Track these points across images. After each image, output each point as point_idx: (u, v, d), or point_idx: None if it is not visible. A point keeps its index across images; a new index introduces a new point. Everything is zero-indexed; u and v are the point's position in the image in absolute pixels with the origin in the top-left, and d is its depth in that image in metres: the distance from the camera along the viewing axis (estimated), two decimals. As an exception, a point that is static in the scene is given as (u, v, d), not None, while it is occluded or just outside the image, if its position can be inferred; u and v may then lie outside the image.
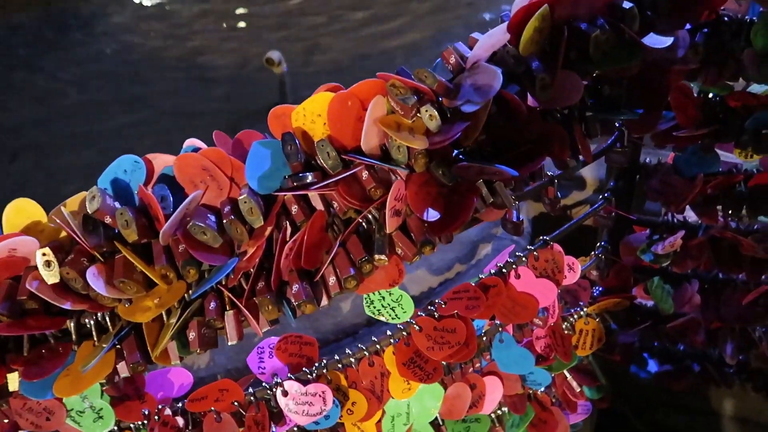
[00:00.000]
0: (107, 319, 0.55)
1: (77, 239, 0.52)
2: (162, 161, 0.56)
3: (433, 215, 0.54)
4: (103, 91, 2.12)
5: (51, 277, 0.51)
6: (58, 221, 0.52)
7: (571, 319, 0.87)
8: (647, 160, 0.81)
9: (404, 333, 0.69)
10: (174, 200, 0.54)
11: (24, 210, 0.54)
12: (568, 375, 0.93)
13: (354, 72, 1.87)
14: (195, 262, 0.53)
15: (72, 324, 0.54)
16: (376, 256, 0.54)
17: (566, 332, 0.86)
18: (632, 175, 0.80)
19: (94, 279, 0.51)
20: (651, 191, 0.79)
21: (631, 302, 0.90)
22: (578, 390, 0.93)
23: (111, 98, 2.12)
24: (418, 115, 0.54)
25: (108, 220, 0.52)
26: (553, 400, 0.93)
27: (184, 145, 0.56)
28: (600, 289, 0.91)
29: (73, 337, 0.54)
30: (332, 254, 0.52)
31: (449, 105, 0.55)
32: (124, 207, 0.52)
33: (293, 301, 0.53)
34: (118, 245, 0.53)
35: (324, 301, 0.55)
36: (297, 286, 0.53)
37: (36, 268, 0.53)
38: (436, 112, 0.53)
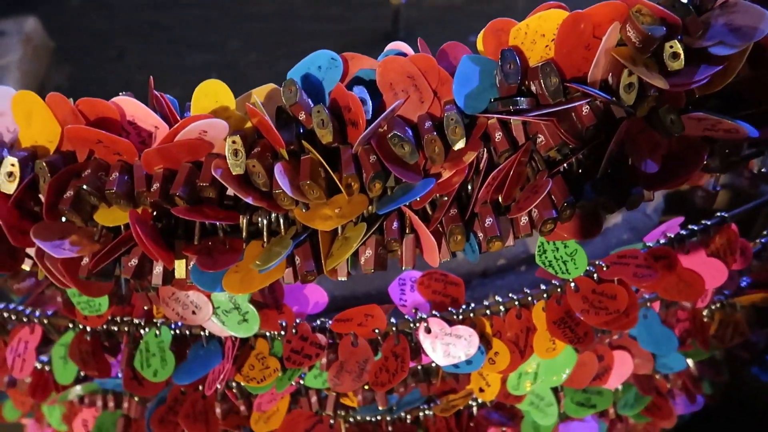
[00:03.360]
0: (281, 222, 0.52)
1: (268, 131, 0.48)
2: (358, 63, 0.52)
3: (651, 167, 0.49)
4: (213, 3, 2.09)
5: (237, 167, 0.49)
6: (249, 109, 0.49)
7: (713, 307, 0.81)
8: None
9: (558, 290, 0.64)
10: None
11: (213, 93, 0.50)
12: (692, 364, 0.87)
13: (467, 12, 1.76)
14: (384, 176, 0.49)
15: (244, 221, 0.52)
16: (581, 202, 0.49)
17: (706, 320, 0.80)
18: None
19: (281, 176, 0.48)
20: None
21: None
22: (699, 381, 0.87)
23: (219, 11, 2.09)
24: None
25: (302, 116, 0.49)
26: (669, 387, 0.88)
27: (388, 48, 0.51)
28: (747, 280, 0.84)
29: (243, 234, 0.52)
30: (541, 194, 0.47)
31: (694, 45, 0.48)
32: (321, 105, 0.48)
33: (484, 235, 0.49)
34: (307, 146, 0.49)
35: (510, 241, 0.51)
36: (491, 219, 0.49)
37: (218, 156, 0.50)
38: (682, 50, 0.46)
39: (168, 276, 0.52)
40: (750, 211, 0.79)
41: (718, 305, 0.81)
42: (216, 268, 0.49)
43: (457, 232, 0.49)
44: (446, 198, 0.49)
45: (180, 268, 0.52)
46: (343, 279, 0.52)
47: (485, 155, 0.50)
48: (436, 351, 0.62)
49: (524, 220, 0.50)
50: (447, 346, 0.62)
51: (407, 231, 0.51)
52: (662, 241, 0.66)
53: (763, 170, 0.61)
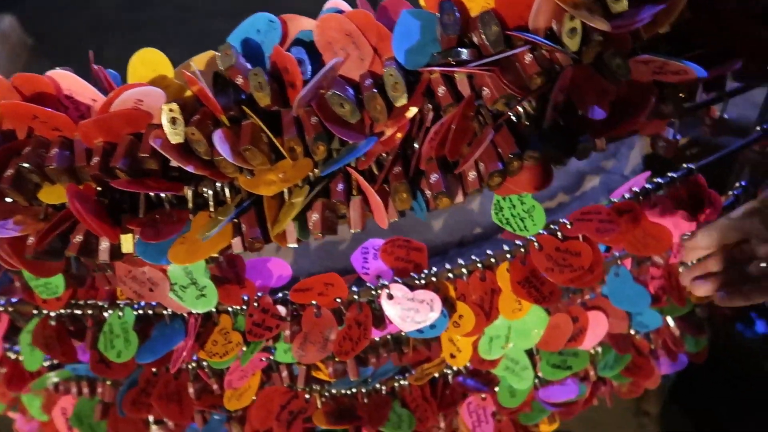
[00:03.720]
0: (226, 190, 0.51)
1: (206, 98, 0.47)
2: (297, 24, 0.50)
3: (599, 114, 0.47)
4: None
5: (175, 136, 0.48)
6: (187, 77, 0.48)
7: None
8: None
9: (522, 250, 0.63)
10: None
11: (150, 61, 0.49)
12: (671, 322, 0.86)
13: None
14: (326, 138, 0.48)
15: (190, 192, 0.51)
16: (528, 153, 0.48)
17: (681, 276, 0.79)
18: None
19: (221, 143, 0.47)
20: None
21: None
22: (680, 339, 0.86)
23: (195, 7, 2.08)
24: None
25: (240, 80, 0.48)
26: (651, 348, 0.88)
27: (326, 6, 0.50)
28: (723, 235, 0.82)
29: (190, 205, 0.51)
30: (482, 145, 0.46)
31: (637, -15, 0.46)
32: (258, 68, 0.47)
33: (430, 192, 0.48)
34: (247, 110, 0.48)
35: (459, 198, 0.50)
36: (436, 176, 0.48)
37: (159, 126, 0.49)
38: (624, -9, 0.45)
39: (115, 251, 0.51)
40: (724, 164, 0.78)
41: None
42: (159, 239, 0.49)
43: (401, 189, 0.48)
44: (391, 156, 0.48)
45: (127, 242, 0.51)
46: (293, 245, 0.51)
47: (431, 111, 0.49)
48: (399, 317, 0.62)
49: (472, 175, 0.49)
50: (409, 311, 0.61)
51: (354, 193, 0.50)
52: (627, 195, 0.64)
53: (724, 116, 0.60)
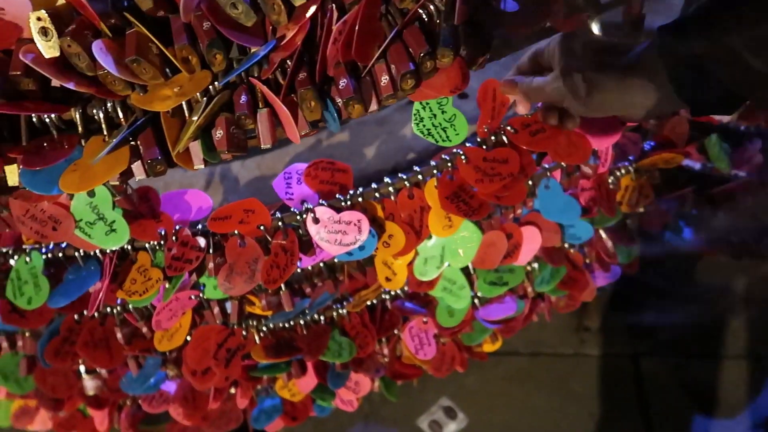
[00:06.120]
0: (119, 111, 0.46)
1: (80, 5, 0.42)
2: None
3: (511, 5, 0.45)
4: None
5: (49, 49, 0.43)
6: (54, -20, 0.42)
7: (618, 174, 0.80)
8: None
9: (449, 165, 0.62)
10: (196, -33, 0.44)
11: (11, -34, 0.43)
12: (604, 234, 0.88)
13: None
14: (223, 45, 0.44)
15: (77, 114, 0.46)
16: (441, 50, 0.45)
17: (611, 187, 0.80)
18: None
19: (102, 54, 0.42)
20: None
21: (684, 158, 0.82)
22: (612, 251, 0.88)
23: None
24: None
25: (116, -19, 0.43)
26: (586, 262, 0.89)
27: None
28: (651, 143, 0.83)
29: (79, 129, 0.47)
30: (385, 44, 0.42)
31: None
32: (136, -34, 0.42)
33: (340, 98, 0.45)
34: (130, 17, 0.43)
35: (373, 105, 0.47)
36: (345, 80, 0.45)
37: (31, 40, 0.44)
38: None
39: (1, 186, 0.47)
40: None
41: (623, 171, 0.81)
42: (44, 165, 0.44)
43: (308, 96, 0.45)
44: (293, 62, 0.45)
45: (12, 174, 0.46)
46: (200, 167, 0.48)
47: (335, 12, 0.45)
48: (326, 240, 0.59)
49: (385, 79, 0.46)
50: (337, 234, 0.59)
51: (260, 105, 0.47)
52: (552, 103, 0.63)
53: (643, 13, 0.59)
